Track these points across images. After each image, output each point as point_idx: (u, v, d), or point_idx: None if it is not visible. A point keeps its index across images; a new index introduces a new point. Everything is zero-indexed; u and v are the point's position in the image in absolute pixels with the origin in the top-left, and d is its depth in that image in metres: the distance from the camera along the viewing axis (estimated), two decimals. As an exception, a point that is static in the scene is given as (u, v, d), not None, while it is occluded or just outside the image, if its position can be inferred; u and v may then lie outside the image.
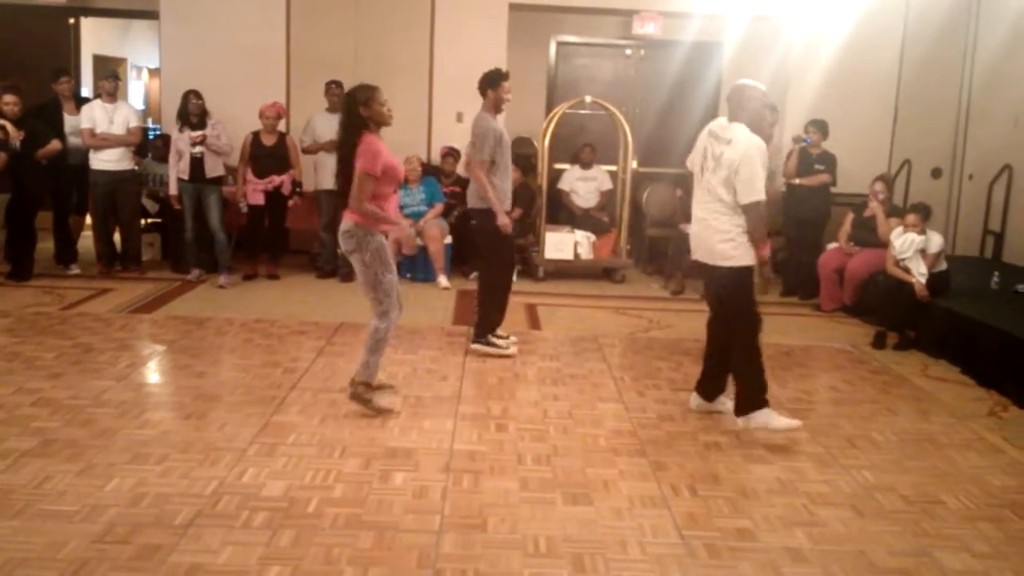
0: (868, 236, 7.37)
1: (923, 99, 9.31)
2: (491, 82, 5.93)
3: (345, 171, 4.68)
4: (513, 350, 5.94)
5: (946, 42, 9.27)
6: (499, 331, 6.04)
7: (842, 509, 3.76)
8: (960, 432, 4.80)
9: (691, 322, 7.07)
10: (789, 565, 3.26)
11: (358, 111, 4.67)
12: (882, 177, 7.68)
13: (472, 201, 6.03)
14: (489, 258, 6.13)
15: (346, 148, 4.70)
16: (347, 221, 4.69)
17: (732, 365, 4.71)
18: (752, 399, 4.55)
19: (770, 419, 4.51)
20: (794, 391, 5.41)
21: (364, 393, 4.70)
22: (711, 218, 4.58)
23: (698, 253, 4.77)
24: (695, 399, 4.95)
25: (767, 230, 4.54)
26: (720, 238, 4.53)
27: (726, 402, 4.82)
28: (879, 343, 6.44)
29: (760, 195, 4.39)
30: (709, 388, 4.90)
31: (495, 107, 5.95)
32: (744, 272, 4.57)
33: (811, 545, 3.42)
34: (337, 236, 8.11)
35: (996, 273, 7.26)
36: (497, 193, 5.81)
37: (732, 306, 4.70)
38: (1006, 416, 5.12)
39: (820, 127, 8.14)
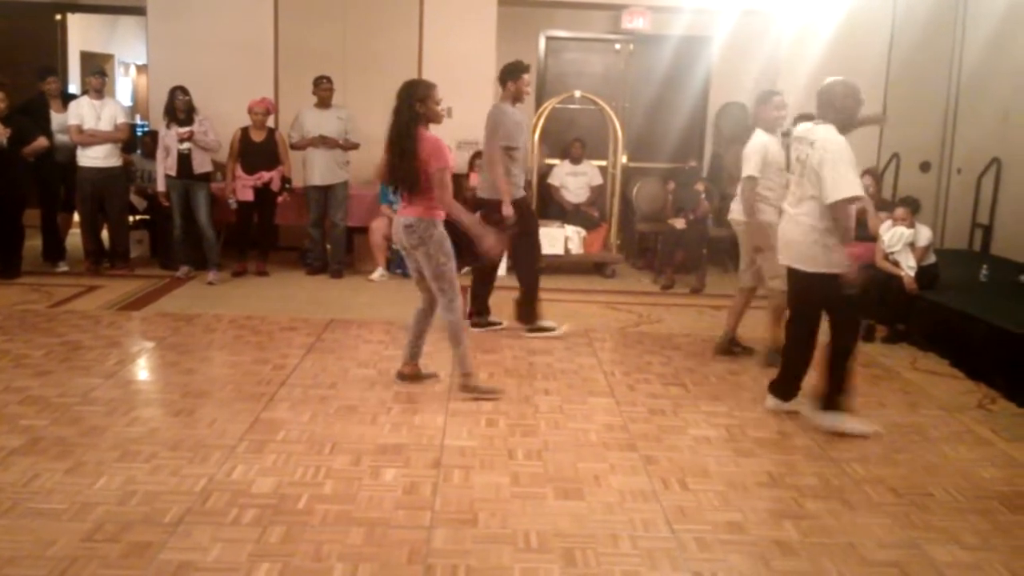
0: (857, 230, 7.36)
1: (911, 94, 9.32)
2: (511, 73, 6.08)
3: (404, 165, 4.67)
4: (506, 323, 6.37)
5: (934, 36, 9.29)
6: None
7: (831, 502, 3.77)
8: (949, 425, 4.82)
9: (681, 317, 7.10)
10: (779, 558, 3.27)
11: (414, 106, 4.68)
12: (870, 171, 7.69)
13: (482, 191, 6.17)
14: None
15: (406, 140, 4.65)
16: (407, 216, 4.76)
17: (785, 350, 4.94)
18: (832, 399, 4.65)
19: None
20: (784, 385, 5.42)
21: (469, 382, 4.94)
22: (800, 220, 4.58)
23: (784, 254, 4.77)
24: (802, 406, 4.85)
25: (852, 230, 4.51)
26: (808, 240, 4.54)
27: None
28: (868, 336, 6.45)
29: (845, 193, 4.35)
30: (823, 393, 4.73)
31: (514, 98, 6.10)
32: (820, 279, 4.53)
33: (800, 538, 3.43)
34: (328, 232, 8.19)
35: (985, 266, 7.28)
36: (509, 181, 5.99)
37: (798, 307, 4.79)
38: (995, 408, 5.14)
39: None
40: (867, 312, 6.67)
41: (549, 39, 10.50)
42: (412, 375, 5.14)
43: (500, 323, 6.48)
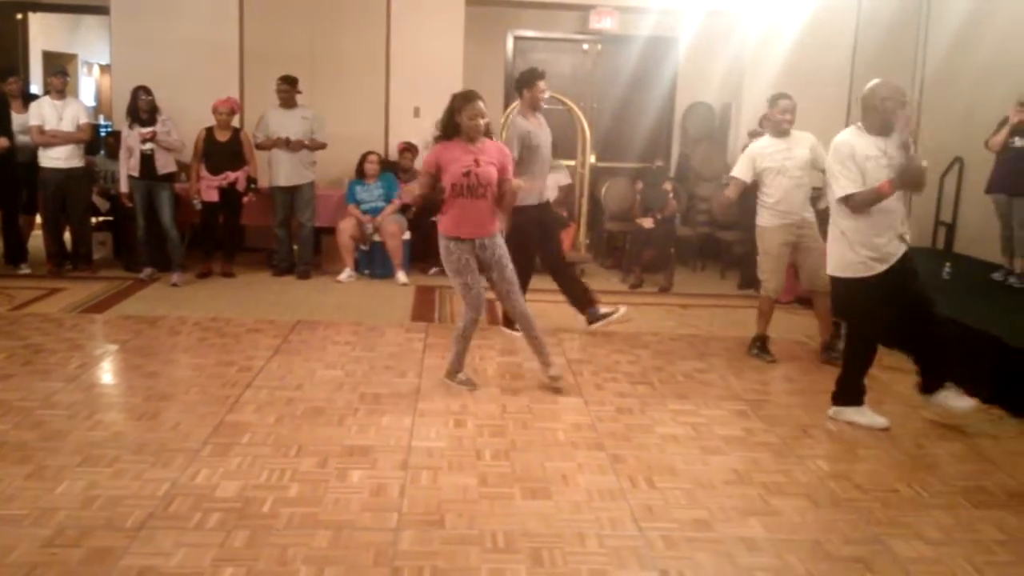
0: (822, 229, 7.42)
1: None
2: (525, 82, 6.09)
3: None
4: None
5: (898, 37, 9.37)
6: None
7: (797, 498, 3.80)
8: (913, 421, 4.87)
9: (649, 316, 7.12)
10: (745, 555, 3.29)
11: (453, 118, 4.80)
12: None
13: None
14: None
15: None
16: None
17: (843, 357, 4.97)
18: (848, 394, 4.80)
19: (860, 416, 4.76)
20: (751, 381, 5.46)
21: (450, 373, 5.12)
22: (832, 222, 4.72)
23: None
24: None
25: (870, 202, 4.49)
26: (829, 240, 4.72)
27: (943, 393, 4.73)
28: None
29: (843, 191, 4.50)
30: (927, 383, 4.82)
31: (531, 106, 6.05)
32: (842, 283, 4.67)
33: (766, 535, 3.45)
34: (295, 233, 8.13)
35: (948, 264, 7.36)
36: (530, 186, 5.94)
37: (846, 315, 4.96)
38: (958, 404, 5.20)
39: (774, 121, 8.18)
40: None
41: (517, 39, 10.49)
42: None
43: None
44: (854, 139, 4.57)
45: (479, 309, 5.00)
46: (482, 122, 4.79)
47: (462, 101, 4.80)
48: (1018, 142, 6.77)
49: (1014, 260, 6.98)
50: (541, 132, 6.16)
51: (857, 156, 4.49)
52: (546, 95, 6.15)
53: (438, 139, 4.96)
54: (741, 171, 5.92)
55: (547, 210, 6.50)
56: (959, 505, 3.81)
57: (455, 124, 4.81)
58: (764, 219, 5.87)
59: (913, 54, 9.47)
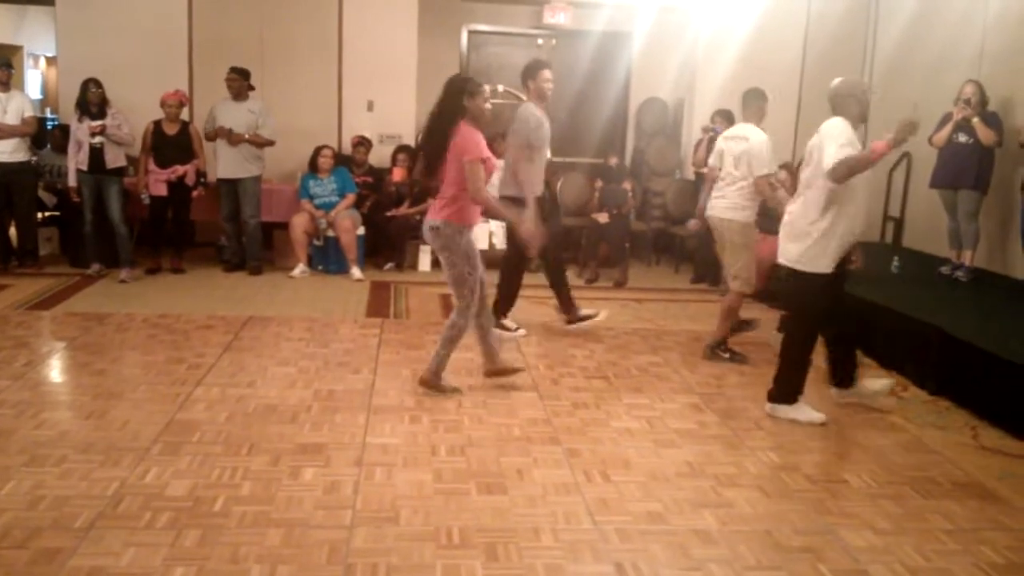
0: (774, 224, 7.49)
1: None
2: (529, 73, 5.99)
3: (434, 159, 4.71)
4: (522, 332, 6.28)
5: (848, 33, 9.51)
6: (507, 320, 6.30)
7: (749, 490, 3.84)
8: (861, 412, 4.95)
9: (604, 310, 7.13)
10: (698, 546, 3.31)
11: (461, 100, 4.64)
12: (785, 166, 7.84)
13: (504, 188, 6.08)
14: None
15: (439, 135, 4.67)
16: (433, 219, 4.71)
17: (782, 354, 4.88)
18: (786, 392, 4.78)
19: (798, 413, 4.75)
20: (704, 375, 5.51)
21: (433, 380, 4.87)
22: (795, 213, 4.77)
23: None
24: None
25: (860, 167, 4.70)
26: (794, 234, 4.72)
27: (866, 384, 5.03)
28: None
29: (833, 159, 4.58)
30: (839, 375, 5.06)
31: (539, 96, 5.95)
32: (807, 278, 4.66)
33: (719, 526, 3.48)
34: (244, 226, 8.01)
35: (896, 258, 7.49)
36: (529, 180, 5.93)
37: (794, 307, 4.98)
38: (906, 396, 5.29)
39: (726, 116, 8.25)
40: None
41: (472, 33, 10.46)
42: (498, 371, 5.12)
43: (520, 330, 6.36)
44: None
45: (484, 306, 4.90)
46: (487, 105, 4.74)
47: (478, 85, 4.73)
48: (961, 138, 6.90)
49: (961, 253, 7.11)
50: (546, 123, 6.11)
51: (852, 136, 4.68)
52: (550, 84, 6.04)
53: (448, 122, 4.77)
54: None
55: (542, 203, 6.41)
56: (907, 495, 3.88)
57: (462, 107, 4.68)
58: (749, 215, 5.85)
59: (863, 50, 9.61)
